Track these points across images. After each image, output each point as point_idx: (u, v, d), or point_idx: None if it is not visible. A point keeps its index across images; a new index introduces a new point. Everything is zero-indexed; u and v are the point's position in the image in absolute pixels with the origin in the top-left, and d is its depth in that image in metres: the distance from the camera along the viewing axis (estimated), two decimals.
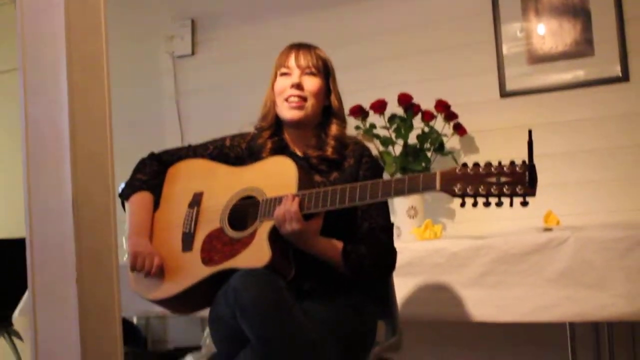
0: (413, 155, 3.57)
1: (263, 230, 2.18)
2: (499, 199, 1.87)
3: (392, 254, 2.38)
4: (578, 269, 2.66)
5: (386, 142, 3.62)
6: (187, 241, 2.32)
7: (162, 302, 2.30)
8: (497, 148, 3.68)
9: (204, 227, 2.33)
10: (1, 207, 5.12)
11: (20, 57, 2.09)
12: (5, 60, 4.80)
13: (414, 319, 2.87)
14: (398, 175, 3.34)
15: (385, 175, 2.13)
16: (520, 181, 1.85)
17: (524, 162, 1.86)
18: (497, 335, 3.50)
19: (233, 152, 2.51)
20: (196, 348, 3.91)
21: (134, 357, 3.99)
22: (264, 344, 1.95)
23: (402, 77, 3.94)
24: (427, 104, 3.61)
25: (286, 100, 2.37)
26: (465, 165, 1.94)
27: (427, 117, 3.59)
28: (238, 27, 4.47)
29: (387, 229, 2.38)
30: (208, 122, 4.33)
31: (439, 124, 3.62)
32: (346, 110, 3.26)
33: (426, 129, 3.61)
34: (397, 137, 3.62)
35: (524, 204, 1.86)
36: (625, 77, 3.55)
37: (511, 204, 1.87)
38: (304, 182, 2.24)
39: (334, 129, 2.44)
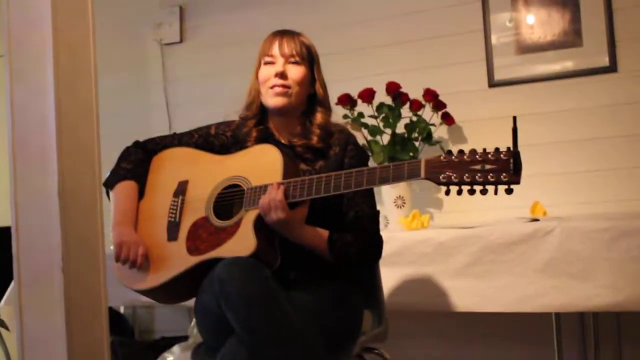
0: (401, 145, 3.56)
1: (248, 219, 2.18)
2: (484, 187, 1.88)
3: (378, 241, 2.38)
4: (564, 259, 2.67)
5: (374, 131, 3.62)
6: (173, 230, 2.31)
7: (147, 292, 2.29)
8: (485, 138, 3.68)
9: (189, 216, 2.32)
10: None
11: (6, 42, 2.07)
12: None
13: (400, 309, 2.87)
14: None
15: (373, 164, 2.12)
16: (505, 169, 1.85)
17: (508, 149, 1.86)
18: (483, 325, 3.51)
19: (218, 140, 2.50)
20: (183, 338, 3.90)
21: (120, 346, 3.98)
22: (249, 333, 1.95)
23: (390, 66, 3.93)
24: (416, 93, 3.61)
25: (271, 88, 2.36)
26: (450, 152, 1.94)
27: (415, 106, 3.59)
28: (227, 15, 4.45)
29: (373, 216, 2.39)
30: (196, 110, 4.33)
31: (427, 113, 3.62)
32: (334, 99, 3.27)
33: (414, 118, 3.61)
34: (385, 126, 3.61)
35: (509, 191, 1.86)
36: (613, 67, 3.55)
37: (496, 192, 1.87)
38: (290, 170, 2.23)
39: (319, 117, 2.43)
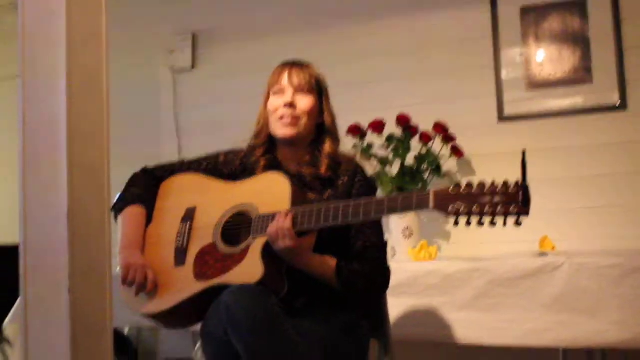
0: (410, 176, 3.57)
1: (256, 246, 2.17)
2: (493, 219, 1.87)
3: (386, 272, 2.37)
4: (572, 295, 2.66)
5: (383, 162, 3.62)
6: (180, 256, 2.31)
7: (153, 317, 2.28)
8: (493, 172, 3.62)
9: (196, 242, 2.31)
10: None
11: (20, 64, 2.08)
12: (5, 66, 4.79)
13: (407, 340, 2.86)
14: None
15: (381, 195, 2.12)
16: (513, 201, 1.84)
17: (517, 182, 1.86)
18: (489, 358, 3.48)
19: (227, 168, 2.50)
20: None
21: None
22: None
23: (401, 98, 3.94)
24: (426, 126, 3.62)
25: (280, 119, 2.37)
26: (458, 184, 1.93)
27: (425, 138, 3.59)
28: (238, 42, 4.48)
29: (381, 247, 2.38)
30: (206, 136, 4.34)
31: (436, 146, 3.62)
32: (344, 129, 3.28)
33: (424, 151, 3.62)
34: (394, 157, 3.62)
35: (518, 224, 1.85)
36: (623, 105, 3.56)
37: (504, 224, 1.86)
38: (298, 199, 2.23)
39: (327, 146, 2.43)
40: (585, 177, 3.59)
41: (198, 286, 2.19)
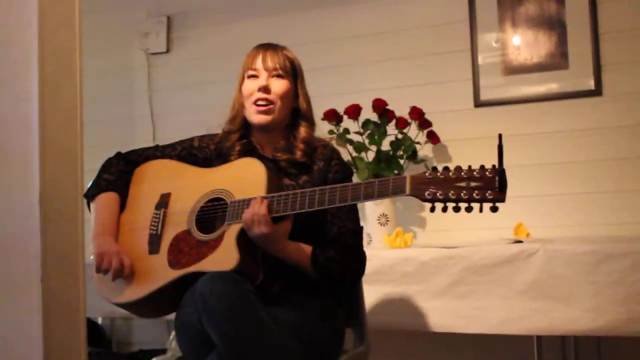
0: (386, 162, 3.56)
1: (231, 233, 2.16)
2: (469, 204, 1.87)
3: (361, 258, 2.37)
4: (547, 282, 2.67)
5: (359, 147, 3.61)
6: (154, 243, 2.28)
7: (127, 306, 2.25)
8: (469, 157, 3.64)
9: (171, 229, 2.29)
10: None
11: None
12: None
13: (382, 328, 2.86)
14: None
15: (357, 181, 2.11)
16: (490, 186, 1.84)
17: (494, 166, 1.86)
18: (464, 346, 3.50)
19: (201, 153, 2.48)
20: (161, 351, 3.88)
21: (97, 358, 3.94)
22: (229, 348, 1.93)
23: (377, 83, 3.93)
24: (402, 111, 3.61)
25: (254, 103, 2.35)
26: (435, 169, 1.93)
27: (401, 124, 3.58)
28: (214, 25, 4.44)
29: (357, 232, 2.37)
30: (181, 120, 4.31)
31: (412, 131, 3.61)
32: (320, 114, 3.27)
33: (400, 136, 3.61)
34: (370, 143, 3.61)
35: (494, 209, 1.85)
36: (598, 91, 3.57)
37: (481, 210, 1.87)
38: (273, 184, 2.21)
39: (302, 131, 2.42)
40: (560, 163, 3.60)
41: (172, 274, 2.17)
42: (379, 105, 3.61)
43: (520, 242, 2.93)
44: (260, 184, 2.19)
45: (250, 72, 2.39)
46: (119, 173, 2.43)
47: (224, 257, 2.11)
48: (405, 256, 2.91)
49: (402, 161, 3.59)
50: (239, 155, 2.38)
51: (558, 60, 3.66)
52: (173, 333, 3.65)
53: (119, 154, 2.50)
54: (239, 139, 2.43)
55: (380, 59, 4.01)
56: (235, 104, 2.46)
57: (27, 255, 1.95)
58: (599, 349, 3.26)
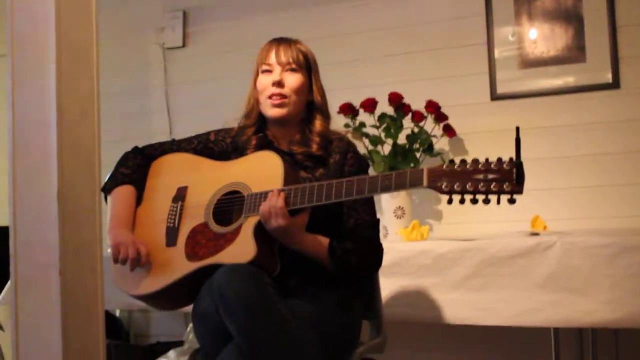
0: (402, 155, 3.56)
1: (248, 225, 2.16)
2: (486, 196, 1.86)
3: (378, 249, 2.37)
4: (564, 274, 2.66)
5: (375, 141, 3.61)
6: (171, 236, 2.29)
7: (145, 298, 2.27)
8: (486, 151, 3.61)
9: (188, 222, 2.30)
10: None
11: (9, 43, 2.06)
12: None
13: (399, 320, 2.86)
14: None
15: (373, 174, 2.11)
16: (507, 178, 1.84)
17: (511, 159, 1.85)
18: (481, 338, 3.50)
19: (217, 146, 2.49)
20: (179, 343, 3.90)
21: (115, 350, 3.96)
22: (247, 340, 1.94)
23: (393, 77, 3.93)
24: (418, 105, 3.60)
25: (269, 98, 2.36)
26: (452, 161, 1.92)
27: (417, 117, 3.58)
28: (229, 20, 4.45)
29: (373, 224, 2.38)
30: (197, 115, 4.33)
31: (428, 124, 3.61)
32: (336, 108, 3.27)
33: (416, 130, 3.60)
34: (386, 136, 3.61)
35: (511, 201, 1.84)
36: (615, 84, 3.55)
37: (498, 202, 1.86)
38: (290, 177, 2.22)
39: (317, 124, 2.42)
40: (577, 156, 3.58)
41: (190, 266, 2.18)
42: (395, 99, 3.61)
43: (537, 234, 2.92)
44: (278, 177, 2.20)
45: (264, 67, 2.39)
46: (135, 166, 2.44)
47: (241, 249, 2.12)
48: (422, 249, 2.90)
49: (418, 154, 3.59)
50: (255, 149, 2.39)
51: (575, 54, 3.64)
52: (190, 325, 3.67)
53: (135, 148, 2.51)
54: (255, 133, 2.43)
55: (396, 53, 4.01)
56: (250, 99, 2.47)
57: (45, 249, 1.96)
58: (616, 341, 3.25)
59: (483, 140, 3.73)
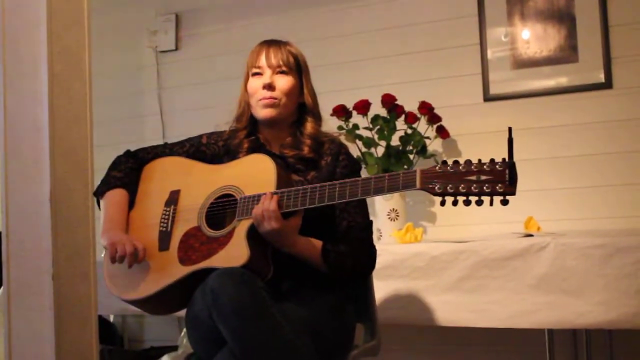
0: (395, 157, 3.56)
1: (241, 229, 2.16)
2: (479, 198, 1.87)
3: (371, 252, 2.36)
4: (558, 275, 2.66)
5: (368, 143, 3.61)
6: (164, 240, 2.28)
7: (138, 303, 2.26)
8: (479, 152, 3.60)
9: (181, 225, 2.29)
10: None
11: (1, 47, 2.06)
12: None
13: (393, 323, 2.86)
14: None
15: (365, 176, 2.11)
16: (500, 179, 1.84)
17: (504, 160, 1.85)
18: (475, 340, 3.50)
19: (210, 150, 2.49)
20: (173, 348, 3.89)
21: (109, 355, 3.95)
22: (240, 345, 1.93)
23: (386, 78, 3.93)
24: (411, 106, 3.60)
25: (259, 100, 2.36)
26: (445, 162, 1.93)
27: (411, 119, 3.58)
28: (222, 23, 4.45)
29: (366, 226, 2.37)
30: (190, 118, 4.33)
31: (422, 126, 3.61)
32: (329, 110, 3.26)
33: (409, 131, 3.60)
34: (379, 138, 3.60)
35: (504, 202, 1.85)
36: (608, 84, 3.55)
37: (491, 203, 1.86)
38: (283, 180, 2.21)
39: (309, 127, 2.42)
40: (570, 157, 3.59)
41: (183, 270, 2.17)
42: (388, 101, 3.60)
43: (531, 235, 2.92)
44: (270, 179, 2.20)
45: (255, 70, 2.39)
46: (128, 170, 2.43)
47: (234, 253, 2.11)
48: (416, 251, 2.90)
49: (411, 156, 3.59)
50: (247, 152, 2.38)
51: (567, 54, 3.65)
52: (184, 330, 3.65)
53: (128, 152, 2.50)
54: (247, 136, 2.43)
55: (389, 54, 4.01)
56: (241, 102, 2.46)
57: (38, 254, 1.96)
58: (610, 342, 3.25)
59: (476, 141, 3.73)
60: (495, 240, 2.84)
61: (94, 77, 2.19)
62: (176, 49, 4.58)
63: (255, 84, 2.37)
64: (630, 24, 3.53)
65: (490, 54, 3.79)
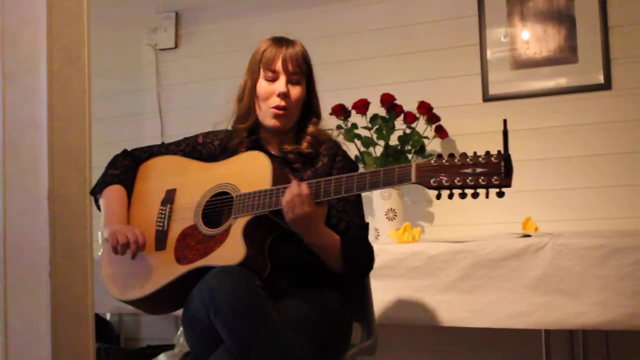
0: (394, 157, 3.56)
1: (237, 226, 2.15)
2: (475, 190, 1.86)
3: (370, 252, 2.37)
4: (555, 276, 2.66)
5: (367, 142, 3.61)
6: (161, 239, 2.28)
7: (135, 303, 2.25)
8: (477, 152, 3.67)
9: (177, 224, 2.29)
10: None
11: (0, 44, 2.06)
12: None
13: (390, 322, 2.86)
14: None
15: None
16: (496, 172, 1.84)
17: (499, 152, 1.85)
18: (472, 339, 3.50)
19: (205, 149, 2.48)
20: (169, 346, 3.88)
21: (106, 353, 3.95)
22: (237, 343, 1.93)
23: (385, 78, 3.93)
24: (410, 106, 3.60)
25: (271, 108, 2.34)
26: (440, 155, 1.92)
27: (409, 118, 3.58)
28: (222, 21, 4.44)
29: (364, 227, 2.37)
30: (189, 116, 4.32)
31: (420, 126, 3.61)
32: (328, 109, 3.26)
33: (408, 131, 3.60)
34: (378, 137, 3.60)
35: (500, 194, 1.84)
36: (607, 85, 3.55)
37: (487, 195, 1.86)
38: (278, 176, 2.21)
39: (311, 126, 2.42)
40: (569, 158, 3.58)
41: (180, 269, 2.17)
42: (387, 100, 3.60)
43: (529, 236, 2.92)
44: (266, 176, 2.19)
45: (269, 74, 2.35)
46: (124, 168, 2.42)
47: (231, 251, 2.11)
48: (413, 251, 2.90)
49: (410, 156, 3.59)
50: (246, 151, 2.38)
51: (567, 54, 3.65)
52: (181, 329, 3.66)
53: (124, 151, 2.49)
54: (247, 136, 2.42)
55: (389, 54, 4.01)
56: (246, 101, 2.42)
57: (35, 251, 1.96)
58: (607, 343, 3.26)
59: (475, 141, 3.72)
60: (493, 240, 2.84)
61: (92, 74, 2.19)
62: (176, 46, 4.57)
63: (269, 88, 2.34)
64: (630, 24, 3.53)
65: (489, 54, 3.79)
